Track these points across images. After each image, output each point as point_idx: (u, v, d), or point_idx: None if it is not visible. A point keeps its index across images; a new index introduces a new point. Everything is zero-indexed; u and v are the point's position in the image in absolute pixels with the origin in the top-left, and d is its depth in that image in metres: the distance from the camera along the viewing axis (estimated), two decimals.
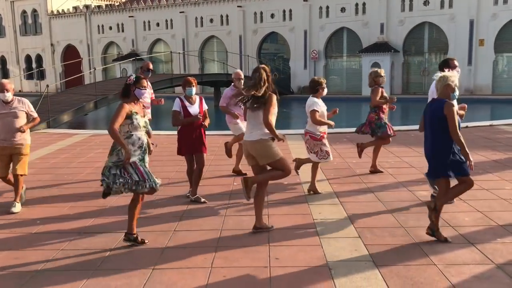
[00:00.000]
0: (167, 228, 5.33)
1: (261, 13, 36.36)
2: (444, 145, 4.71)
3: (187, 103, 6.40)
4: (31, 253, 4.72)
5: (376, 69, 7.91)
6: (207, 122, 6.48)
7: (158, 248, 4.77)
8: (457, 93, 4.79)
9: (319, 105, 6.47)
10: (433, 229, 4.76)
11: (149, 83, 7.76)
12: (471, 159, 4.69)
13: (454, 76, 4.82)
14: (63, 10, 44.97)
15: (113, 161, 4.69)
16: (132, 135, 4.76)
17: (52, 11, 45.32)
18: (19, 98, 6.36)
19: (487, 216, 5.48)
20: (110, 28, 43.04)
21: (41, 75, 43.83)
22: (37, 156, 10.12)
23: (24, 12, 47.03)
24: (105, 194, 4.76)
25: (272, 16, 35.98)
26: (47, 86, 16.81)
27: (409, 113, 22.59)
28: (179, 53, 34.94)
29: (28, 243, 5.01)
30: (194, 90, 6.44)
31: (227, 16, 37.69)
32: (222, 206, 6.16)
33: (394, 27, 31.78)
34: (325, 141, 6.58)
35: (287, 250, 4.64)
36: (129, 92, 4.82)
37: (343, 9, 33.38)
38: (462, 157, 4.73)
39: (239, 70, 8.01)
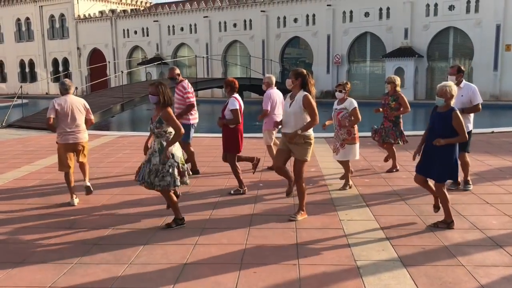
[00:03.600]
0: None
1: (284, 17, 36.51)
2: None
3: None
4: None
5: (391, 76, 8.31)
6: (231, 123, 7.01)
7: (189, 244, 4.90)
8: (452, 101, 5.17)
9: None
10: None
11: (180, 87, 8.00)
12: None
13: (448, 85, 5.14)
14: (89, 14, 45.90)
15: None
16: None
17: (79, 16, 46.29)
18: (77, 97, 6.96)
19: None
20: (135, 32, 43.74)
21: (68, 79, 44.70)
22: None
23: (52, 16, 48.15)
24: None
25: (295, 20, 36.09)
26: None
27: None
28: (203, 57, 35.35)
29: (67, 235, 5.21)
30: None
31: (250, 20, 37.95)
32: (249, 205, 6.28)
33: (418, 32, 31.56)
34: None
35: (315, 248, 4.72)
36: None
37: (366, 14, 33.29)
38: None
39: (270, 75, 8.31)
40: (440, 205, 5.33)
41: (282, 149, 5.73)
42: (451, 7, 30.40)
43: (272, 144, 8.24)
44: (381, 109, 8.08)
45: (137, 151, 10.66)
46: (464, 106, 6.49)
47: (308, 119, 5.47)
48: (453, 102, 5.19)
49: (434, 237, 4.96)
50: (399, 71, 31.15)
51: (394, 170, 8.10)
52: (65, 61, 48.15)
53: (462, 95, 6.53)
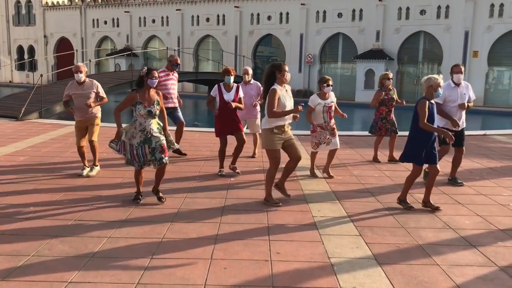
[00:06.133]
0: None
1: (258, 14, 36.37)
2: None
3: (224, 90, 7.44)
4: (24, 244, 4.60)
5: (385, 72, 9.05)
6: (242, 106, 7.57)
7: (156, 238, 4.67)
8: (440, 92, 5.68)
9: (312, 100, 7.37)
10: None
11: (176, 75, 8.82)
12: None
13: (437, 77, 5.64)
14: (57, 2, 44.63)
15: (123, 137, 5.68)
16: (136, 120, 5.65)
17: (46, 3, 44.94)
18: (90, 79, 7.25)
19: (487, 220, 5.46)
20: (105, 22, 42.77)
21: (33, 67, 43.37)
22: (29, 144, 9.96)
23: (18, 2, 46.60)
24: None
25: (269, 18, 36.00)
26: (41, 75, 16.59)
27: (401, 121, 22.63)
28: (174, 50, 34.78)
29: (21, 231, 4.88)
30: (232, 78, 7.46)
31: (223, 16, 37.63)
32: (219, 199, 6.08)
33: (390, 34, 31.94)
34: (316, 134, 7.41)
35: (288, 245, 4.56)
36: (142, 83, 5.60)
37: (340, 15, 33.49)
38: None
39: (247, 67, 8.44)
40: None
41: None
42: (422, 12, 30.90)
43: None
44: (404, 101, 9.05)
45: (102, 141, 10.28)
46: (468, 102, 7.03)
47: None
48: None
49: (408, 236, 4.88)
50: (370, 73, 31.52)
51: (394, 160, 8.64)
52: (31, 49, 46.70)
53: (464, 93, 6.97)
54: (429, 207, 5.80)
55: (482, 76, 29.62)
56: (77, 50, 37.74)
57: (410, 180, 5.92)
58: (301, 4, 34.44)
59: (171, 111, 8.60)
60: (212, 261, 4.15)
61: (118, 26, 42.10)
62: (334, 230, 5.01)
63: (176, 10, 39.10)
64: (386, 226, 5.20)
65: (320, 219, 5.37)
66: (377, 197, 6.39)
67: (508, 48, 29.14)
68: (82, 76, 7.00)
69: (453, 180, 7.17)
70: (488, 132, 13.87)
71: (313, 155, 7.65)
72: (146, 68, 5.66)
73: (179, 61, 8.91)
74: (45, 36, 45.61)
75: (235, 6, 36.82)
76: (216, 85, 7.52)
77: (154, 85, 5.69)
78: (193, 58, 38.22)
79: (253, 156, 8.84)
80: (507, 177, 7.74)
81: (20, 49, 47.41)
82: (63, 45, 44.36)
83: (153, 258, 4.19)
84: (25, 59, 45.16)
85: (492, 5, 29.00)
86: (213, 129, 7.92)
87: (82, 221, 5.16)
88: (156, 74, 5.67)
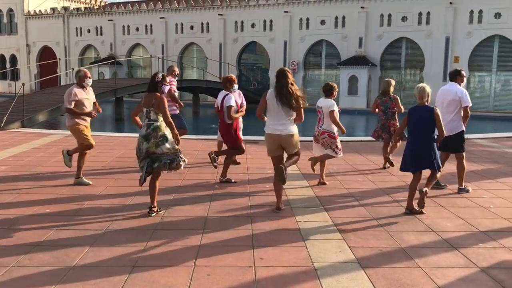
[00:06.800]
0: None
1: (242, 22, 36.49)
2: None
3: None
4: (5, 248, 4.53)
5: (388, 79, 9.08)
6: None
7: (139, 245, 4.64)
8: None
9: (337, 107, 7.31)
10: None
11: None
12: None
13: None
14: (40, 11, 44.23)
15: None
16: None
17: (29, 11, 44.52)
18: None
19: (468, 222, 5.53)
20: (89, 31, 42.51)
21: (15, 76, 42.87)
22: (11, 154, 9.84)
23: None
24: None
25: (253, 25, 36.14)
26: (23, 84, 16.43)
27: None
28: (158, 57, 34.70)
29: (1, 242, 4.81)
30: (236, 86, 7.68)
31: (207, 23, 37.68)
32: (203, 207, 6.06)
33: (372, 41, 32.27)
34: (338, 139, 7.43)
35: (272, 250, 4.56)
36: (157, 88, 5.67)
37: (323, 22, 33.76)
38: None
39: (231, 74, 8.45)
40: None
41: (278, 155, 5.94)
42: (404, 18, 31.30)
43: None
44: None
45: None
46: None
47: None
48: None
49: (391, 239, 4.92)
50: (353, 79, 31.81)
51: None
52: (13, 58, 46.15)
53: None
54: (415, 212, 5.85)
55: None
56: (59, 59, 37.43)
57: (410, 187, 6.00)
58: (285, 11, 34.66)
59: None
60: (195, 268, 4.13)
61: (101, 34, 41.88)
62: (318, 235, 5.03)
63: (160, 18, 39.06)
64: (369, 230, 5.23)
65: (304, 224, 5.38)
66: (360, 201, 6.43)
67: (488, 53, 29.65)
68: (91, 81, 7.38)
69: (460, 190, 7.08)
70: (469, 136, 14.06)
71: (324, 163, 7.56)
72: (161, 74, 5.77)
73: (177, 72, 9.49)
74: (27, 45, 45.15)
75: (218, 14, 36.91)
76: (230, 94, 7.43)
77: (165, 91, 6.25)
78: (177, 66, 38.03)
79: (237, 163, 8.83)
80: (488, 180, 7.86)
81: (1, 58, 46.85)
82: (46, 54, 43.95)
83: (136, 266, 4.16)
84: (7, 68, 44.61)
85: (472, 12, 29.51)
86: (195, 136, 7.91)
87: (64, 230, 5.10)
88: (167, 81, 5.98)
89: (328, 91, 7.33)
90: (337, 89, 7.45)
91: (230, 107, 7.26)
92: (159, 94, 5.66)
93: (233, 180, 7.42)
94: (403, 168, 6.03)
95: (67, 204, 6.11)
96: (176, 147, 5.64)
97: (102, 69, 37.15)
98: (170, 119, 5.64)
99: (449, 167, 8.34)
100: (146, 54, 38.04)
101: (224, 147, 8.18)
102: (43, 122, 16.97)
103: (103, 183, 7.25)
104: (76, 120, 7.26)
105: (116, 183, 7.37)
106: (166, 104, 5.66)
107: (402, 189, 6.99)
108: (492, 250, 4.64)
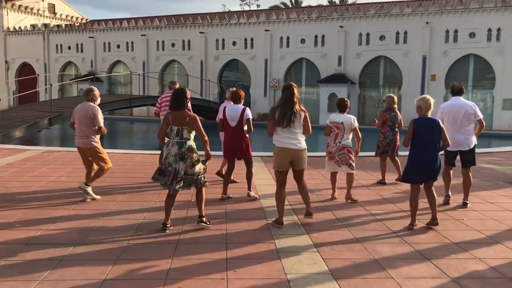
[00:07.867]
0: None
1: (223, 40, 36.74)
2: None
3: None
4: None
5: (391, 94, 9.10)
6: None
7: (110, 259, 4.56)
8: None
9: None
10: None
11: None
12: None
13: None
14: (20, 27, 43.89)
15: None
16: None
17: (8, 28, 44.14)
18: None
19: (441, 234, 5.59)
20: (69, 47, 42.30)
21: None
22: None
23: None
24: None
25: (234, 43, 36.42)
26: None
27: (364, 142, 23.02)
28: (138, 74, 34.62)
29: None
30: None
31: (189, 41, 37.84)
32: (178, 220, 6.01)
33: (351, 59, 32.76)
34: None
35: (245, 263, 4.54)
36: (186, 105, 5.57)
37: (303, 40, 34.20)
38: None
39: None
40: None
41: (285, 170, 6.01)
42: (382, 37, 31.90)
43: None
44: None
45: (62, 166, 10.08)
46: None
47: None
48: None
49: (365, 251, 4.94)
50: (333, 97, 32.06)
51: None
52: None
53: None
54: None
55: (440, 98, 30.46)
56: (38, 75, 37.04)
57: (411, 203, 5.92)
58: (265, 30, 35.04)
59: None
60: (167, 281, 4.08)
61: (82, 51, 41.69)
62: (292, 247, 5.02)
63: (141, 35, 39.10)
64: (343, 242, 5.25)
65: (279, 236, 5.38)
66: (335, 213, 6.46)
67: (464, 72, 30.33)
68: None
69: (463, 204, 7.18)
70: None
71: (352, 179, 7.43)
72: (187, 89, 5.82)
73: (177, 85, 9.08)
74: (6, 62, 44.66)
75: (200, 32, 37.12)
76: (248, 108, 7.65)
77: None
78: (158, 83, 38.10)
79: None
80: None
81: None
82: (26, 70, 43.46)
83: (106, 280, 4.09)
84: None
85: (447, 31, 30.24)
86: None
87: (34, 244, 5.00)
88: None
89: (343, 107, 7.31)
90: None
91: (251, 119, 7.46)
92: (191, 113, 5.58)
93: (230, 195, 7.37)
94: (406, 179, 5.98)
95: (38, 217, 5.99)
96: (204, 166, 5.63)
97: (82, 86, 36.81)
98: (207, 137, 5.62)
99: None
100: (127, 71, 37.95)
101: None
102: (19, 138, 16.74)
103: (80, 196, 7.13)
104: (97, 140, 7.14)
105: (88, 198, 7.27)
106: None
107: (378, 202, 7.06)
108: (463, 261, 4.69)
